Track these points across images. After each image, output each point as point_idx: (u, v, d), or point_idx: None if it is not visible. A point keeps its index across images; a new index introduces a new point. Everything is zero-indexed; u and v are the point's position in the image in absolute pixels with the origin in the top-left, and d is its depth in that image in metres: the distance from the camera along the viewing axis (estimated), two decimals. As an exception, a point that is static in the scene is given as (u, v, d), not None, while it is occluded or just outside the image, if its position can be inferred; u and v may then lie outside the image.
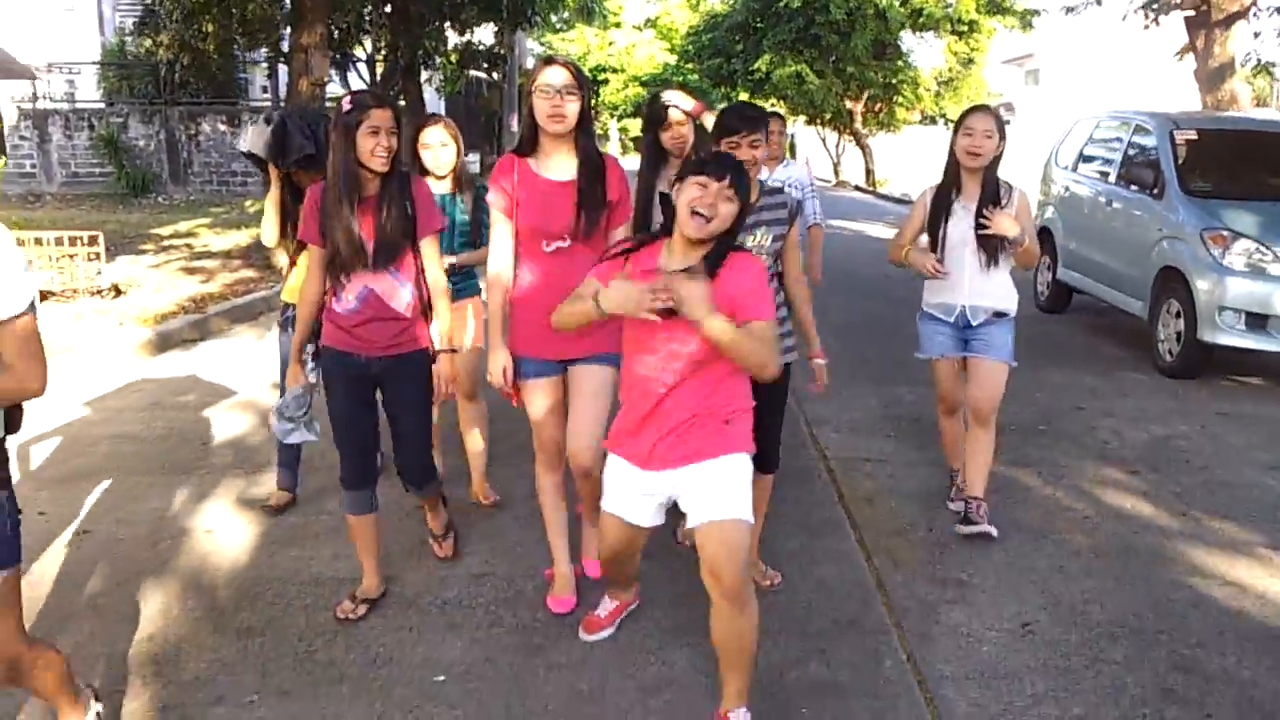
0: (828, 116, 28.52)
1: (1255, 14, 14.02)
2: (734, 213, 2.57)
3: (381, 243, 3.11)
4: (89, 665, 3.03)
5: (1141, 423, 5.76)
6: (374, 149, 3.02)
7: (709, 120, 3.54)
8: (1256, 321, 6.55)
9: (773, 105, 24.34)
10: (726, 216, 2.55)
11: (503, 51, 22.65)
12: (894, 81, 27.38)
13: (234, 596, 3.52)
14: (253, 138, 3.91)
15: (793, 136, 31.74)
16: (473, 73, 24.01)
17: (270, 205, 4.07)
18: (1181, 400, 6.34)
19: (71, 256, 8.68)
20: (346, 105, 3.05)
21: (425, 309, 3.27)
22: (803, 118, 29.48)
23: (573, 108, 3.06)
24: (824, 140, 31.30)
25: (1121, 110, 9.29)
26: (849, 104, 27.47)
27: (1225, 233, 6.79)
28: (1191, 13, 12.27)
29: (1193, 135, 7.93)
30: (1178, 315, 6.96)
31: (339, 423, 3.31)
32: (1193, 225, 7.00)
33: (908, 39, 28.05)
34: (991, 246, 3.86)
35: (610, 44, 39.59)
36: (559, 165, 3.17)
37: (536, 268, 3.20)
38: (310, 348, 3.38)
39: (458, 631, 3.28)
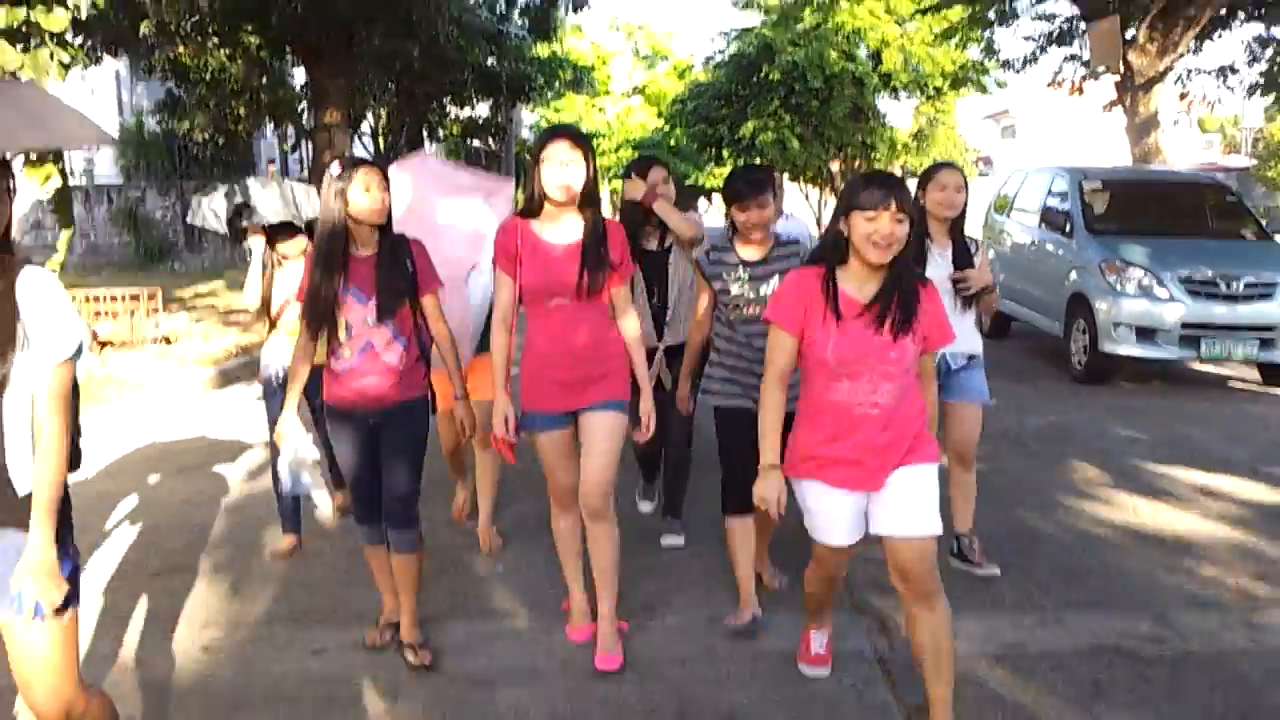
0: (809, 175, 30.11)
1: (1178, 80, 15.57)
2: (907, 232, 2.64)
3: (382, 298, 3.22)
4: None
5: (1044, 414, 7.06)
6: (370, 203, 3.19)
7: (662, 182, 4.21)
8: (1145, 334, 7.91)
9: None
10: (903, 237, 2.64)
11: (501, 123, 24.06)
12: (870, 141, 29.04)
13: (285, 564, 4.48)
14: (203, 211, 4.27)
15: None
16: (473, 142, 25.48)
17: (255, 264, 4.29)
18: (1083, 399, 7.65)
19: (133, 312, 10.05)
20: (336, 169, 3.21)
21: (421, 360, 3.38)
22: (785, 175, 31.01)
23: (579, 177, 3.16)
24: (806, 196, 32.85)
25: (1045, 165, 10.75)
26: (829, 164, 29.09)
27: (1119, 263, 8.16)
28: (1118, 77, 13.83)
29: (1098, 185, 9.38)
30: (1084, 332, 8.30)
31: (347, 473, 3.50)
32: (1094, 258, 8.38)
33: (882, 102, 29.80)
34: (971, 296, 4.04)
35: (601, 110, 41.17)
36: (563, 229, 3.26)
37: (542, 325, 3.30)
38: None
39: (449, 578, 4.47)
